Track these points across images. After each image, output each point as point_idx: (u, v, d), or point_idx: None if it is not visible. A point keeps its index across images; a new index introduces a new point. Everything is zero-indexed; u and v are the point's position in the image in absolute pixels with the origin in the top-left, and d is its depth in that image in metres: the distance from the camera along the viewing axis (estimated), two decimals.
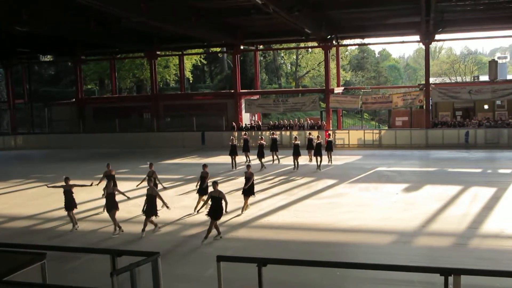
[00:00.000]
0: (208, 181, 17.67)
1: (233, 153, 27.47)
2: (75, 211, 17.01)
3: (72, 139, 42.83)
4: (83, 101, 46.99)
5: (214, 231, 14.93)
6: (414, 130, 36.81)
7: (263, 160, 27.43)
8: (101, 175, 19.60)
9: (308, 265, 8.02)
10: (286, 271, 9.95)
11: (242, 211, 17.73)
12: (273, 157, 28.86)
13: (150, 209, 15.70)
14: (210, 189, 15.67)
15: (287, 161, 28.92)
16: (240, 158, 29.55)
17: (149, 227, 15.94)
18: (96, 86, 68.61)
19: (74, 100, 47.76)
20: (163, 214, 18.13)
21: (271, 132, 32.32)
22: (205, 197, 17.03)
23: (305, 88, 62.28)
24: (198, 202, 17.69)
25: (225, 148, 29.93)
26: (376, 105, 39.27)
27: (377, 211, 17.64)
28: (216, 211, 14.73)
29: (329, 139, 28.68)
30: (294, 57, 69.24)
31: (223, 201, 14.72)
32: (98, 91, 64.91)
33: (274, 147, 29.08)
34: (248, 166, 17.40)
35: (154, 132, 41.87)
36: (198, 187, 18.01)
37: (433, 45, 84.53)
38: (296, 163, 26.73)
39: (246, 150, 29.44)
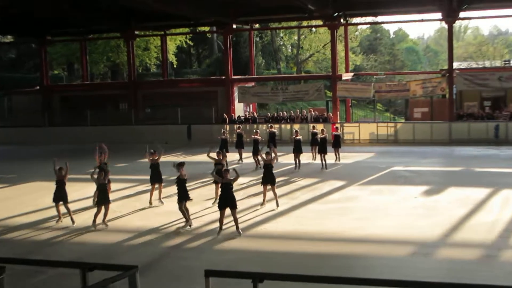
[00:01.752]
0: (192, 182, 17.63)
1: (223, 149, 27.42)
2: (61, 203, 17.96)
3: (36, 134, 42.75)
4: (48, 89, 46.90)
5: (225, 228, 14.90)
6: (435, 123, 36.86)
7: (259, 157, 27.39)
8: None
9: (312, 281, 7.97)
10: None
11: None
12: (270, 154, 28.84)
13: (183, 194, 16.73)
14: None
15: (287, 159, 28.90)
16: (233, 156, 29.53)
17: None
18: (64, 71, 68.46)
19: (38, 87, 47.68)
20: (141, 221, 18.12)
21: (269, 125, 32.32)
22: (188, 204, 17.00)
23: (308, 74, 62.35)
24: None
25: (215, 144, 29.85)
26: (391, 94, 39.31)
27: (392, 217, 17.63)
28: (232, 199, 15.91)
29: (337, 133, 28.69)
30: (296, 38, 69.22)
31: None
32: (66, 77, 64.81)
33: (272, 142, 29.07)
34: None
35: (132, 126, 41.83)
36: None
37: (457, 24, 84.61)
38: (297, 162, 26.72)
39: (239, 146, 29.40)
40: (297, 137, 26.78)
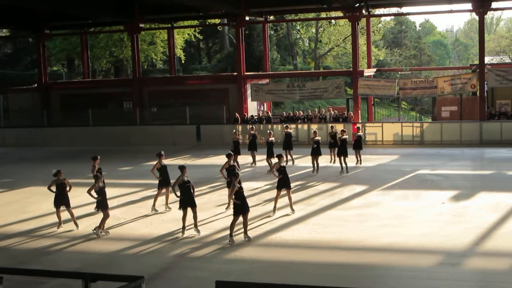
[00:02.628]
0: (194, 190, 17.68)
1: (235, 152, 27.48)
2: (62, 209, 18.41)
3: (34, 135, 42.94)
4: (47, 86, 47.13)
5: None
6: (465, 123, 36.73)
7: (272, 161, 27.44)
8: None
9: None
10: None
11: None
12: (286, 157, 28.90)
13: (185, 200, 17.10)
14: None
15: (305, 162, 28.92)
16: (246, 159, 29.59)
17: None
18: (63, 68, 68.81)
19: (36, 85, 47.91)
20: (146, 228, 18.24)
21: (285, 125, 32.33)
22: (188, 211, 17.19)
23: (327, 70, 62.25)
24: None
25: (226, 146, 29.97)
26: (417, 92, 39.19)
27: (418, 225, 17.63)
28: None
29: (358, 134, 28.67)
30: (314, 30, 69.18)
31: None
32: (66, 74, 65.07)
33: (288, 144, 29.11)
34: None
35: (137, 126, 41.93)
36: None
37: (489, 15, 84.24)
38: (315, 165, 26.75)
39: (253, 148, 29.46)
40: (316, 138, 26.79)
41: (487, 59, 42.07)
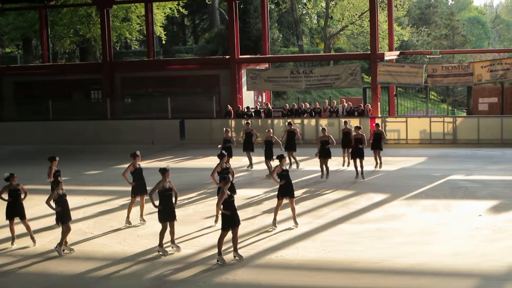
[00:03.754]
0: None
1: (227, 152, 27.43)
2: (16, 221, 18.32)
3: None
4: None
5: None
6: (507, 118, 36.79)
7: (272, 163, 27.46)
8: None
9: None
10: None
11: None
12: (289, 159, 28.94)
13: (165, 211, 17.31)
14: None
15: (311, 165, 28.96)
16: (240, 161, 29.60)
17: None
18: (19, 49, 68.71)
19: None
20: (119, 245, 18.24)
21: (287, 121, 32.32)
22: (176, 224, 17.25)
23: (339, 53, 62.33)
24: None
25: (215, 144, 29.92)
26: (449, 79, 39.24)
27: (449, 242, 17.64)
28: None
29: (377, 131, 28.69)
30: (323, 5, 69.24)
31: None
32: (21, 57, 65.02)
33: (291, 144, 29.10)
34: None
35: (107, 120, 41.94)
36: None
37: None
38: (324, 169, 26.76)
39: (248, 148, 29.49)
40: (325, 137, 26.80)
41: None
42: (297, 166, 29.09)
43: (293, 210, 19.54)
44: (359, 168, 26.70)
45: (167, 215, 17.18)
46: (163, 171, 17.37)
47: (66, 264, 16.75)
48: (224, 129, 29.38)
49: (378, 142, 28.26)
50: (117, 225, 20.31)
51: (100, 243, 18.67)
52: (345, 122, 29.38)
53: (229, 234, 16.35)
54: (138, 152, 20.51)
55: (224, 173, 19.60)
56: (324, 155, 26.58)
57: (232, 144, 27.96)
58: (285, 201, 19.41)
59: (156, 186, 17.25)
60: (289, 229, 19.20)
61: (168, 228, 17.26)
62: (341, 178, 27.08)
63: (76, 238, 18.60)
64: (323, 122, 36.70)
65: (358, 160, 26.70)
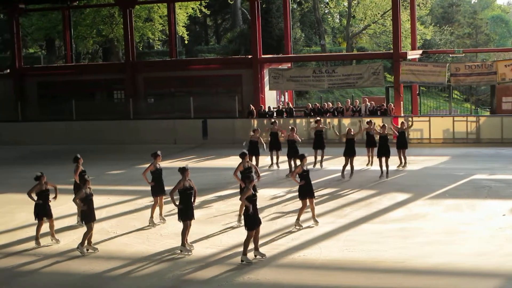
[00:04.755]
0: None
1: (253, 152, 27.44)
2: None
3: (5, 131, 43.12)
4: (22, 72, 47.36)
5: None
6: None
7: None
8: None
9: None
10: None
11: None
12: (315, 158, 28.89)
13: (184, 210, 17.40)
14: None
15: (335, 164, 28.91)
16: (263, 160, 29.61)
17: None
18: (42, 50, 69.06)
19: (8, 71, 48.15)
20: (142, 245, 18.29)
21: (316, 119, 32.03)
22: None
23: (362, 52, 62.20)
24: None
25: (238, 144, 29.93)
26: (472, 78, 39.05)
27: (473, 242, 17.56)
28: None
29: (401, 129, 28.58)
30: (345, 4, 69.12)
31: None
32: (45, 57, 65.30)
33: (320, 143, 28.99)
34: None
35: (130, 120, 42.03)
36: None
37: None
38: (347, 168, 26.69)
39: (275, 148, 29.34)
40: (349, 136, 26.77)
41: None
42: (321, 166, 29.06)
43: (312, 210, 19.57)
44: (384, 167, 26.65)
45: (189, 214, 17.25)
46: (183, 170, 17.37)
47: (89, 263, 16.83)
48: (252, 129, 29.24)
49: (402, 141, 28.18)
50: (140, 224, 20.37)
51: (123, 242, 18.75)
52: (368, 122, 29.29)
53: None
54: (159, 152, 20.54)
55: (246, 172, 19.55)
56: (348, 153, 26.58)
57: (260, 144, 27.93)
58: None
59: (177, 185, 17.27)
60: (309, 227, 19.19)
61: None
62: (365, 177, 27.04)
63: (100, 237, 18.68)
64: (346, 121, 36.66)
65: (383, 159, 26.66)
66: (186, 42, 64.17)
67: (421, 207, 21.79)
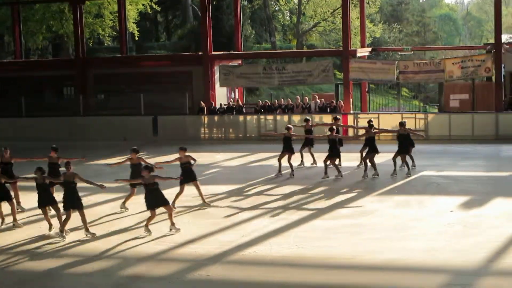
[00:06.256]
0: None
1: (287, 149, 27.01)
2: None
3: None
4: None
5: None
6: (478, 114, 36.98)
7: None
8: None
9: None
10: None
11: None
12: (302, 157, 28.80)
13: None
14: None
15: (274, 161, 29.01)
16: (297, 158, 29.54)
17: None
18: None
19: None
20: (90, 240, 18.11)
21: (305, 118, 30.53)
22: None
23: (312, 50, 62.44)
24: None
25: (189, 141, 29.84)
26: (420, 76, 39.36)
27: (421, 237, 17.69)
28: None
29: (404, 131, 26.87)
30: (296, 1, 69.32)
31: None
32: None
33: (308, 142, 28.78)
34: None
35: (80, 117, 41.76)
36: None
37: None
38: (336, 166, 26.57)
39: (308, 144, 28.72)
40: (288, 133, 26.78)
41: (504, 37, 42.46)
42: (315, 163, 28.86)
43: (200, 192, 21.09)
44: (329, 167, 26.57)
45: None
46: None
47: (39, 261, 16.63)
48: (287, 126, 28.56)
49: (406, 145, 26.90)
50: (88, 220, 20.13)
51: (73, 239, 18.56)
52: (306, 120, 29.17)
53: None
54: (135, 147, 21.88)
55: (184, 165, 21.21)
56: (286, 150, 26.68)
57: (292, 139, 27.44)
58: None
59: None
60: (253, 217, 19.17)
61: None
62: (317, 174, 27.11)
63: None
64: (296, 118, 36.77)
65: (402, 156, 26.49)
66: (136, 38, 63.71)
67: (370, 204, 21.86)
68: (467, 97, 41.25)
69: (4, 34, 64.97)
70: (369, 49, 46.25)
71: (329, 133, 26.09)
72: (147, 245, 17.41)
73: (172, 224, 18.63)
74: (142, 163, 20.95)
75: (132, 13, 57.14)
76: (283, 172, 27.02)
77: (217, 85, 41.98)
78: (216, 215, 20.53)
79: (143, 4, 58.91)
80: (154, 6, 61.02)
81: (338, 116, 30.02)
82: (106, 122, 40.74)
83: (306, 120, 29.42)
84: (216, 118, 38.64)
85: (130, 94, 42.14)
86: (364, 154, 26.80)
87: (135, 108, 40.79)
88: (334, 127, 26.72)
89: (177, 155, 21.65)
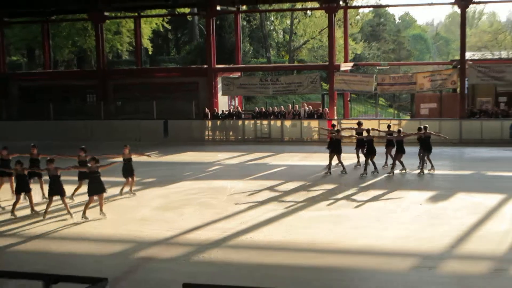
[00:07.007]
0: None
1: (336, 150, 26.71)
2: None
3: None
4: (5, 77, 46.71)
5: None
6: (444, 121, 37.06)
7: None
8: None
9: None
10: None
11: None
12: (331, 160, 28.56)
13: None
14: None
15: (277, 159, 29.03)
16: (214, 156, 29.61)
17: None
18: (23, 58, 68.13)
19: None
20: (110, 228, 18.21)
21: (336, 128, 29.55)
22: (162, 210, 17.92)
23: (302, 64, 62.45)
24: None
25: (195, 142, 29.92)
26: (395, 88, 39.50)
27: (393, 226, 17.86)
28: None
29: (425, 134, 27.48)
30: (288, 22, 69.38)
31: None
32: (26, 64, 64.48)
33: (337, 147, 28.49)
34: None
35: (101, 120, 41.75)
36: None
37: (471, 8, 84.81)
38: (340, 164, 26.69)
39: (360, 146, 28.39)
40: (338, 135, 26.84)
41: (468, 55, 42.51)
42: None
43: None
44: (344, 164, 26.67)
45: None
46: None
47: (64, 244, 16.72)
48: (336, 129, 28.35)
49: (428, 145, 27.09)
50: (109, 212, 20.16)
51: (92, 226, 18.60)
52: (388, 126, 29.28)
53: None
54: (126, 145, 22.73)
55: (126, 161, 22.34)
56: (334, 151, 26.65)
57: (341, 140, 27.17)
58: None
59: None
60: (252, 207, 19.28)
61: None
62: (306, 171, 27.19)
63: (69, 222, 18.57)
64: (287, 123, 36.92)
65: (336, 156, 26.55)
66: (150, 53, 63.87)
67: (351, 197, 21.99)
68: (435, 106, 41.32)
69: (35, 48, 64.88)
70: (351, 64, 46.33)
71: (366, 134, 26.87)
72: (158, 232, 17.52)
73: (101, 210, 19.36)
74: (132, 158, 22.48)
75: (146, 31, 57.16)
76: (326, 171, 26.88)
77: (219, 94, 41.99)
78: (218, 206, 20.63)
79: (156, 23, 59.03)
80: (165, 25, 61.27)
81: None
82: (123, 125, 40.75)
83: (359, 124, 29.40)
84: (218, 122, 38.74)
85: (144, 101, 42.12)
86: (388, 155, 27.64)
87: (148, 113, 40.81)
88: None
89: (179, 154, 21.92)
